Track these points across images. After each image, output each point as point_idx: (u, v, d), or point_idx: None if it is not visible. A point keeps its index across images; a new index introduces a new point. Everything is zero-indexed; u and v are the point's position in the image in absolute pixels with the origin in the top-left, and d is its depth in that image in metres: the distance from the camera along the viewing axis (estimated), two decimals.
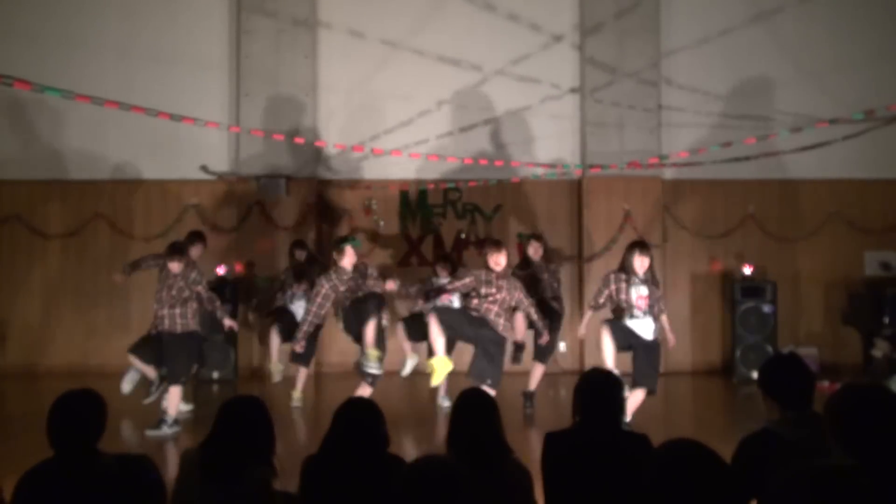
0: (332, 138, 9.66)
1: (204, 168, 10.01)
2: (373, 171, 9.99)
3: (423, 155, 8.85)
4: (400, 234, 10.04)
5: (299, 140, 8.56)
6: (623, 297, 6.44)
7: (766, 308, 9.20)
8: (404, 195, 10.00)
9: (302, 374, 7.97)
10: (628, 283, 6.45)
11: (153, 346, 6.96)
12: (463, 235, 10.03)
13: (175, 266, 6.82)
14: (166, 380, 6.95)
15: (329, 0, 10.04)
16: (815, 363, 9.13)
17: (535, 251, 7.89)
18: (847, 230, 9.91)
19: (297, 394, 7.91)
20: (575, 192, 10.00)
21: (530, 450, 4.84)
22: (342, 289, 6.82)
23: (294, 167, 9.77)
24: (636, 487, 2.13)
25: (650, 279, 6.52)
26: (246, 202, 9.76)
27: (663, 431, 6.56)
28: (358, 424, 3.04)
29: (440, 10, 9.93)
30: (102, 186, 9.96)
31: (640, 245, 6.61)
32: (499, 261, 6.68)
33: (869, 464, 2.15)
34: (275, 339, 8.10)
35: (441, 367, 6.65)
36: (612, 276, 6.48)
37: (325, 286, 6.83)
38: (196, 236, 7.33)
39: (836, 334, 9.86)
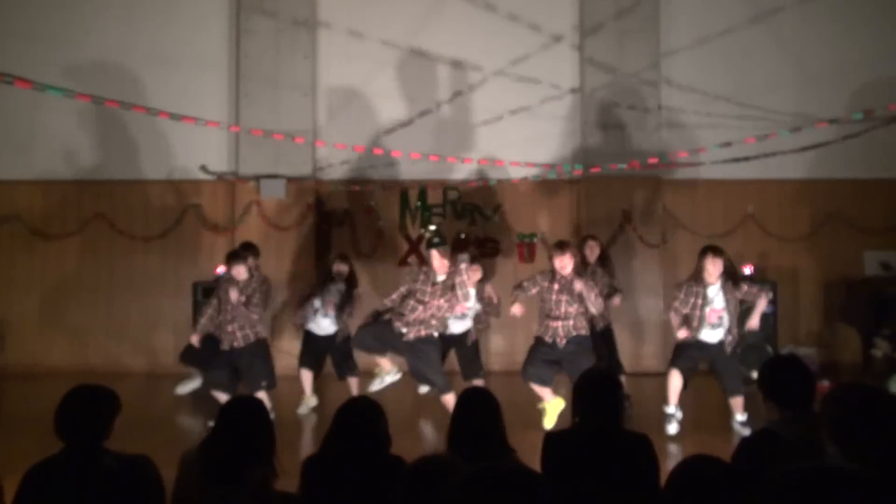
0: (332, 138, 9.64)
1: (204, 168, 10.00)
2: (373, 171, 9.98)
3: (423, 155, 8.84)
4: (400, 234, 10.02)
5: (299, 140, 8.55)
6: (697, 312, 6.55)
7: (767, 308, 9.18)
8: (404, 195, 10.00)
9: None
10: (704, 297, 6.53)
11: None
12: (462, 236, 10.02)
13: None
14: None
15: (329, 0, 10.04)
16: (815, 363, 9.11)
17: (591, 251, 7.80)
18: (847, 230, 9.90)
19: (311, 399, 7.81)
20: (575, 192, 9.99)
21: (530, 450, 4.83)
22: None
23: (294, 167, 9.75)
24: (638, 488, 2.13)
25: (725, 284, 6.55)
26: (246, 202, 9.76)
27: (664, 432, 6.57)
28: (358, 424, 3.03)
29: (440, 10, 9.92)
30: (102, 186, 9.96)
31: (714, 248, 6.64)
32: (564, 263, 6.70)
33: (862, 462, 2.15)
34: (306, 373, 7.71)
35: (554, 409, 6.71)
36: (688, 289, 6.55)
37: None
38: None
39: (836, 334, 9.84)
